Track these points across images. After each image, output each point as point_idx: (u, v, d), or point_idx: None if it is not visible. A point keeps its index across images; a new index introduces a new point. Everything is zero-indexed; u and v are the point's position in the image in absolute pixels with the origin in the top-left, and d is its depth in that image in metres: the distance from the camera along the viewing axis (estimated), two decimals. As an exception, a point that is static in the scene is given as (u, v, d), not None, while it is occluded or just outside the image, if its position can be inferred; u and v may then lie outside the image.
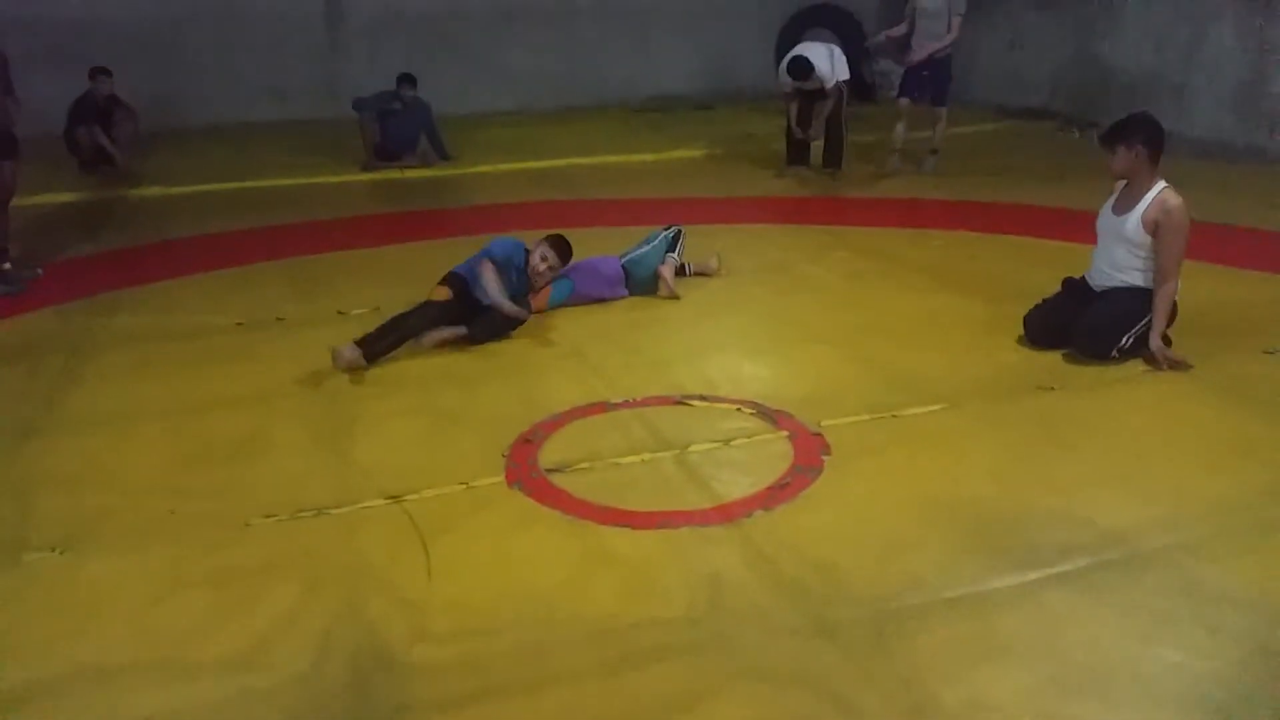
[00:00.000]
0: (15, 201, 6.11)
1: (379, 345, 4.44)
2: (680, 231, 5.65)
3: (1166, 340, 4.26)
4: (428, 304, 4.68)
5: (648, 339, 4.82)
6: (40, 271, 5.91)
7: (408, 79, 9.27)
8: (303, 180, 8.79)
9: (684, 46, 13.19)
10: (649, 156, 9.71)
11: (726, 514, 3.19)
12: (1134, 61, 10.12)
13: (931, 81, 8.34)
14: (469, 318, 4.71)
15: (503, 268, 4.84)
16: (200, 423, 3.94)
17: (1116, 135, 4.25)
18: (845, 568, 2.87)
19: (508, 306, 4.71)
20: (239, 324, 5.07)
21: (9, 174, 5.73)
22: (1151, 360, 4.21)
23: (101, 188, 8.56)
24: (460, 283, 4.79)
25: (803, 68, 8.02)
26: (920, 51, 8.24)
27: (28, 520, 3.21)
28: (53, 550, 3.04)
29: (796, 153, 8.71)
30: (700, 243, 6.48)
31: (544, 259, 5.00)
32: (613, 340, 4.79)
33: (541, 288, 5.14)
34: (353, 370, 4.33)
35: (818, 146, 8.62)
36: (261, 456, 3.66)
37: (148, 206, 8.03)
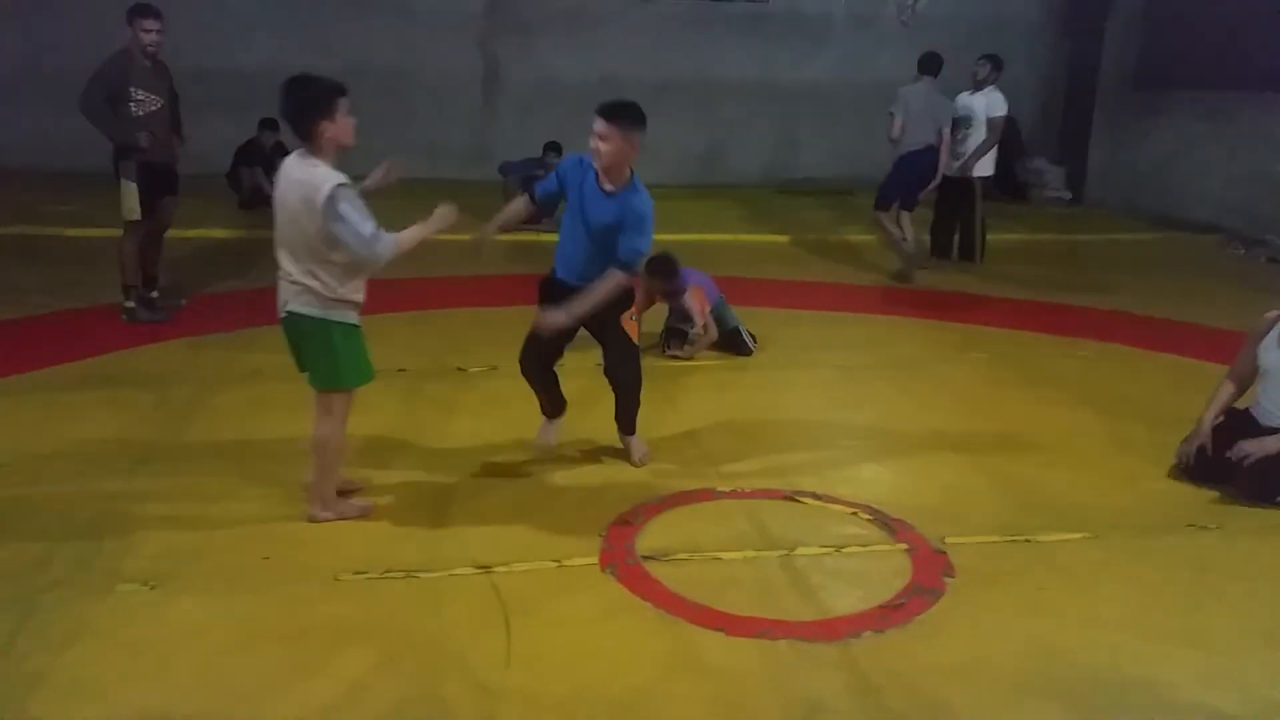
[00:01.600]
0: (174, 234, 6.42)
1: (548, 398, 4.15)
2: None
3: None
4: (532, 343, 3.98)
5: (764, 426, 4.63)
6: (184, 303, 6.16)
7: (554, 147, 9.45)
8: (440, 236, 8.99)
9: (826, 131, 13.10)
10: (782, 238, 9.59)
11: (832, 631, 2.94)
12: (1314, 181, 9.48)
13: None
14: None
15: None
16: (307, 468, 3.93)
17: None
18: (959, 711, 2.59)
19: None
20: (360, 371, 5.12)
21: (168, 208, 6.01)
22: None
23: (256, 227, 8.92)
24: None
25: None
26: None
27: (128, 550, 3.23)
28: (145, 584, 3.03)
29: (941, 243, 8.56)
30: (823, 332, 6.32)
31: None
32: (728, 424, 4.62)
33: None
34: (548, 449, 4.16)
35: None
36: (361, 509, 3.61)
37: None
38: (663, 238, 9.21)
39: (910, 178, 7.82)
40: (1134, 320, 6.84)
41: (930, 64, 7.72)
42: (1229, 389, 4.18)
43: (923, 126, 7.63)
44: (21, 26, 10.85)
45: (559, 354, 4.07)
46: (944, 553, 3.44)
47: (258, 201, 9.61)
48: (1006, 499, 3.92)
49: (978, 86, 8.11)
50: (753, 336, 5.78)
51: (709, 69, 12.71)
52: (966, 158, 8.09)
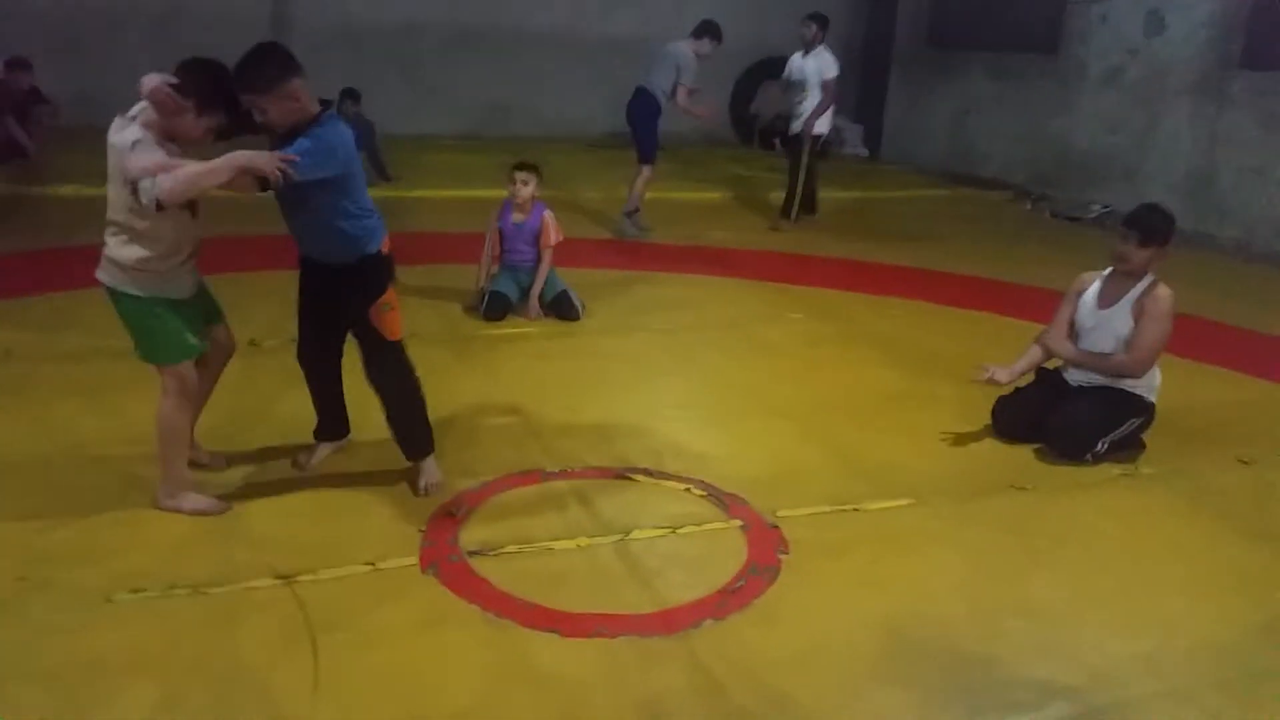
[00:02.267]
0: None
1: (324, 409, 3.62)
2: None
3: (1139, 443, 4.08)
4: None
5: (589, 398, 4.43)
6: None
7: (351, 94, 8.85)
8: (226, 191, 8.24)
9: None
10: (595, 194, 9.38)
11: (671, 622, 2.79)
12: (1088, 140, 10.12)
13: None
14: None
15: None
16: (72, 467, 3.43)
17: (1160, 233, 3.92)
18: (804, 703, 2.49)
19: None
20: (136, 349, 4.54)
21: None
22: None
23: (9, 182, 7.94)
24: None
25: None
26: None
27: None
28: None
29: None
30: (646, 292, 6.18)
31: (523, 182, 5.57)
32: (552, 397, 4.39)
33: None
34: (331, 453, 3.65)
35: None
36: (139, 513, 3.15)
37: (58, 206, 7.45)
38: (453, 194, 8.87)
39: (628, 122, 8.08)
40: (937, 277, 7.05)
41: (696, 29, 7.84)
42: (1038, 352, 4.23)
43: (647, 76, 7.89)
44: None
45: (338, 340, 3.48)
46: (777, 527, 3.36)
47: (11, 154, 8.54)
48: (832, 466, 3.90)
49: (807, 48, 8.26)
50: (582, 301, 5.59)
51: (514, 17, 12.24)
52: (805, 118, 8.28)
